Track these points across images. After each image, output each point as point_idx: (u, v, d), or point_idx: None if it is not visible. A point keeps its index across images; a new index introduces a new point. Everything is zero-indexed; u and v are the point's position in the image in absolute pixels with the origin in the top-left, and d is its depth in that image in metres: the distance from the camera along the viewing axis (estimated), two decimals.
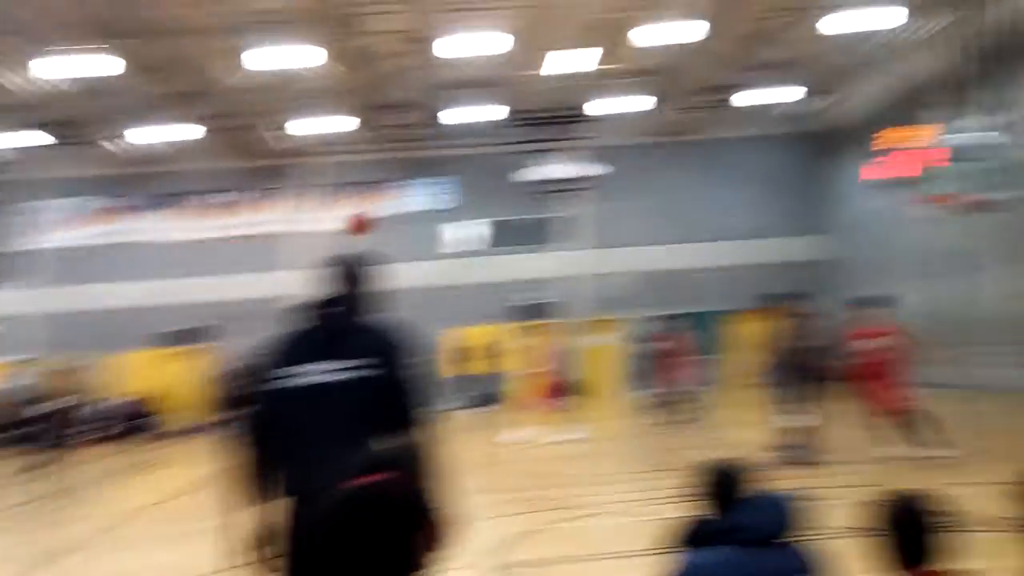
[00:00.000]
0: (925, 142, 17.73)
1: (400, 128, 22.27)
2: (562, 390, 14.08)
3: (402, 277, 20.88)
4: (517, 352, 23.47)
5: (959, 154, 13.99)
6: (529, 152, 22.54)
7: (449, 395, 22.86)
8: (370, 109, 21.01)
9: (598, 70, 19.30)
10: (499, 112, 21.49)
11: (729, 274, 24.37)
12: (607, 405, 20.60)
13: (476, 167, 23.95)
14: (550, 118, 21.90)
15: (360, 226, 9.69)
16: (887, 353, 9.84)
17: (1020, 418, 13.32)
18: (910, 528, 2.58)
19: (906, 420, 9.59)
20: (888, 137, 20.26)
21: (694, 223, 24.73)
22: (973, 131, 13.45)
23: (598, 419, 16.43)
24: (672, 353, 15.37)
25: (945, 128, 17.81)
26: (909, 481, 7.62)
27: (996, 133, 12.75)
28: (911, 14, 16.48)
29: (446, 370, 22.20)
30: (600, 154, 23.68)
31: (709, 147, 24.76)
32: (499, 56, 18.00)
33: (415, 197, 23.29)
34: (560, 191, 22.03)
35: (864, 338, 10.11)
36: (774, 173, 24.93)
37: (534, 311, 23.86)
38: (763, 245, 24.67)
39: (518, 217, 24.52)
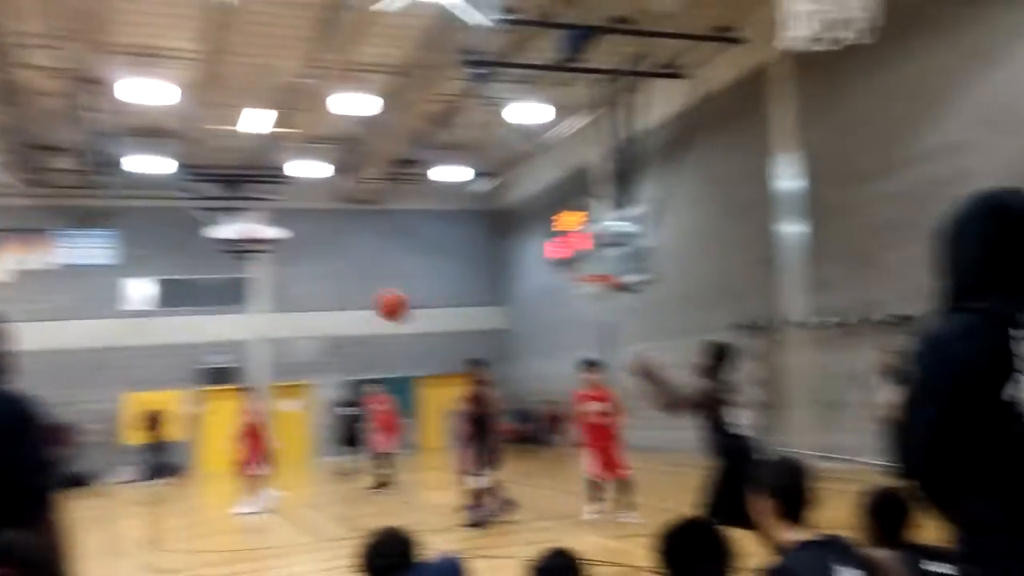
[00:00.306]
0: (580, 227, 19.74)
1: (63, 174, 20.47)
2: (261, 457, 13.40)
3: (77, 335, 18.90)
4: (202, 418, 22.24)
5: (604, 240, 15.61)
6: (211, 209, 21.70)
7: (126, 464, 21.12)
8: (26, 149, 19.11)
9: (279, 133, 19.23)
10: (174, 165, 20.46)
11: (418, 341, 24.94)
12: (299, 472, 19.99)
13: (157, 221, 22.65)
14: (232, 176, 21.30)
15: (392, 307, 8.13)
16: (607, 417, 10.35)
17: (671, 476, 14.37)
18: None
19: (622, 485, 10.16)
20: (558, 220, 22.29)
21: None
22: (614, 220, 15.11)
23: (291, 487, 15.85)
24: (380, 417, 15.62)
25: (595, 216, 20.01)
26: (578, 538, 8.17)
27: (629, 223, 14.44)
28: (558, 113, 18.40)
29: (124, 437, 20.88)
30: (287, 217, 23.41)
31: (400, 217, 25.44)
32: (176, 107, 17.29)
33: (78, 248, 21.46)
34: (242, 251, 21.32)
35: (590, 401, 10.54)
36: (460, 246, 26.14)
37: (220, 375, 22.75)
38: (450, 314, 25.56)
39: (201, 276, 23.37)
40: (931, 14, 12.01)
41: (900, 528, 3.03)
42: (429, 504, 12.81)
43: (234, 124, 18.20)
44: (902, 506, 3.10)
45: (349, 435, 17.91)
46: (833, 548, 2.73)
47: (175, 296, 23.18)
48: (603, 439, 10.32)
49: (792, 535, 2.79)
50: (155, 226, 22.68)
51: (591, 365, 10.93)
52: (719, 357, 6.61)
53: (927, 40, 12.15)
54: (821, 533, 2.81)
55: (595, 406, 10.47)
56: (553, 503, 11.51)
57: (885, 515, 3.07)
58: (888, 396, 10.21)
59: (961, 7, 11.57)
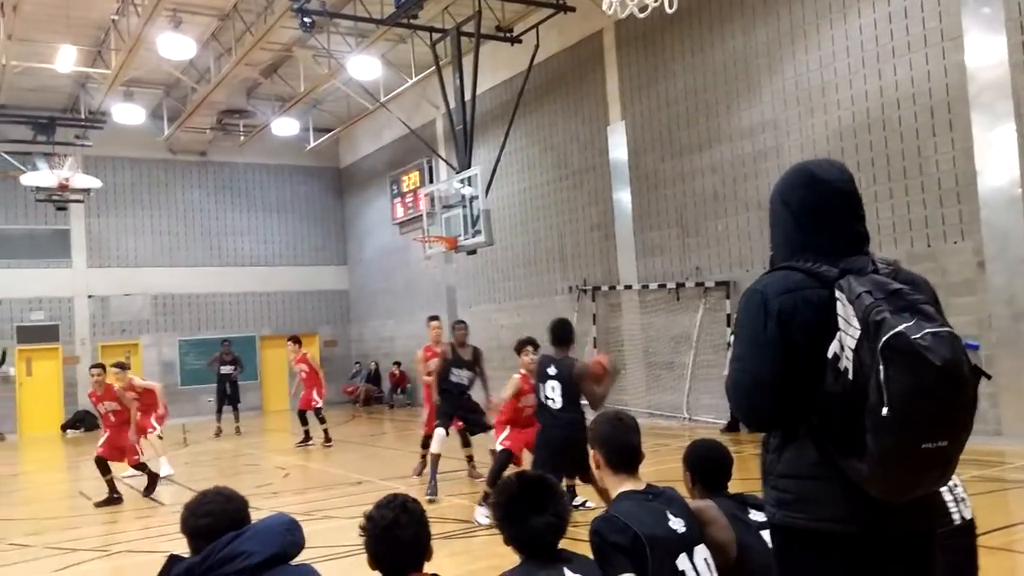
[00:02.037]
0: (420, 188, 19.59)
1: None
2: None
3: None
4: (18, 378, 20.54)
5: (442, 201, 15.54)
6: (20, 153, 19.88)
7: None
8: None
9: (94, 74, 17.84)
10: None
11: (256, 300, 24.07)
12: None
13: None
14: (44, 118, 19.55)
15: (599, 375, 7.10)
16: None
17: None
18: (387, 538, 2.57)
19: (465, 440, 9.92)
20: (398, 180, 22.00)
21: (218, 246, 23.94)
22: (452, 182, 15.04)
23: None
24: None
25: (434, 177, 19.93)
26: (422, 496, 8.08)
27: (467, 185, 14.41)
28: (394, 71, 18.15)
29: None
30: (107, 165, 21.84)
31: (233, 171, 24.22)
32: None
33: None
34: (54, 201, 19.65)
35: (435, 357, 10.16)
36: (299, 203, 25.19)
37: (38, 333, 21.06)
38: (289, 272, 24.72)
39: (12, 227, 21.36)
40: None
41: (722, 479, 3.20)
42: (272, 466, 12.52)
43: (45, 62, 16.65)
44: (723, 458, 3.28)
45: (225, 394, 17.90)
46: (663, 498, 2.85)
47: None
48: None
49: (625, 486, 2.89)
50: None
51: (434, 319, 10.94)
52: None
53: (746, 21, 12.79)
54: (652, 485, 2.92)
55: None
56: (401, 463, 11.44)
57: (707, 467, 3.24)
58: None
59: None
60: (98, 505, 9.69)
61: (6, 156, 20.00)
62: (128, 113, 19.46)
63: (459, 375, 9.35)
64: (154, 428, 11.80)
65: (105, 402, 10.33)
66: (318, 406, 14.46)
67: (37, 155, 19.34)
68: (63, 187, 18.74)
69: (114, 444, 10.18)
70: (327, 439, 14.29)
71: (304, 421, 14.63)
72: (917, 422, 1.93)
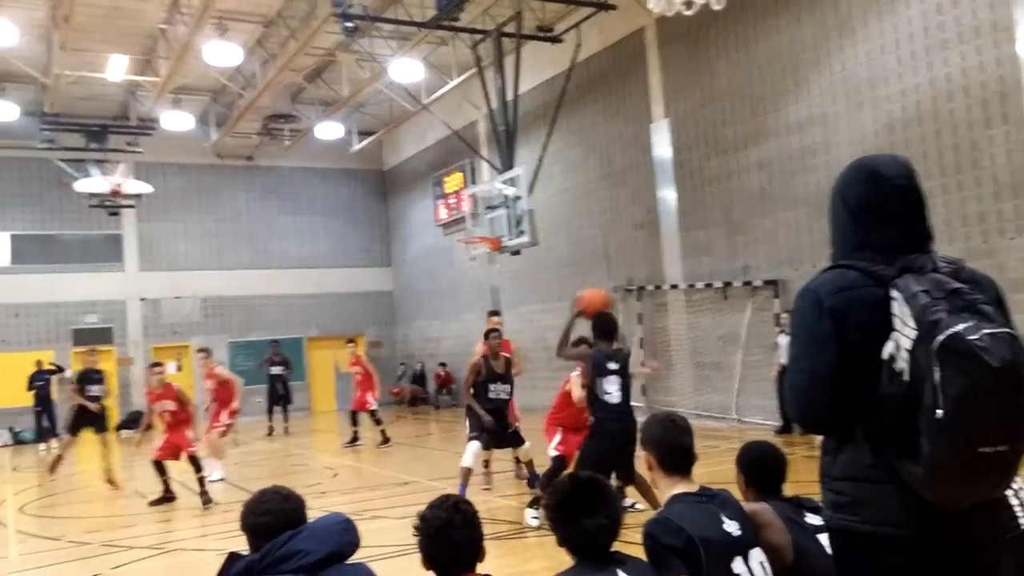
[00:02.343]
0: (463, 189, 19.65)
1: None
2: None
3: None
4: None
5: (486, 202, 15.56)
6: (74, 161, 20.39)
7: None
8: None
9: (144, 82, 18.23)
10: (16, 112, 19.00)
11: (302, 302, 24.39)
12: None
13: (11, 173, 21.18)
14: (96, 126, 20.01)
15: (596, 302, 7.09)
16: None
17: None
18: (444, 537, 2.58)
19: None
20: (443, 182, 22.10)
21: (264, 249, 24.31)
22: (496, 182, 15.05)
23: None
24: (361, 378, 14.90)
25: (477, 178, 19.98)
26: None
27: (510, 186, 14.39)
28: (435, 73, 18.29)
29: None
30: (156, 171, 22.27)
31: (278, 175, 24.57)
32: (24, 50, 16.07)
33: None
34: (106, 206, 20.13)
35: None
36: (343, 206, 25.44)
37: (92, 336, 21.58)
38: (334, 275, 24.96)
39: (68, 232, 21.95)
40: None
41: (776, 482, 3.16)
42: (321, 466, 12.68)
43: (96, 71, 17.07)
44: (778, 460, 3.23)
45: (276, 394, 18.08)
46: (717, 500, 2.82)
47: (42, 253, 21.62)
48: None
49: (678, 488, 2.87)
50: (11, 178, 21.21)
51: (494, 314, 10.60)
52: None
53: (792, 15, 12.60)
54: (706, 487, 2.89)
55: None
56: (448, 464, 11.49)
57: (761, 469, 3.19)
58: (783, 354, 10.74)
59: None
60: (152, 504, 9.80)
61: (60, 164, 20.52)
62: (177, 120, 19.87)
63: (497, 390, 8.91)
64: (220, 425, 11.59)
65: (163, 401, 10.16)
66: (372, 408, 14.53)
67: (90, 162, 19.83)
68: (115, 193, 19.22)
69: (170, 444, 10.01)
70: (384, 439, 14.31)
71: (355, 422, 14.76)
72: (973, 425, 1.87)
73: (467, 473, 8.49)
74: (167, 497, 9.83)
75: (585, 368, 7.05)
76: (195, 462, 9.87)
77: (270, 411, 18.00)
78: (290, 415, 18.33)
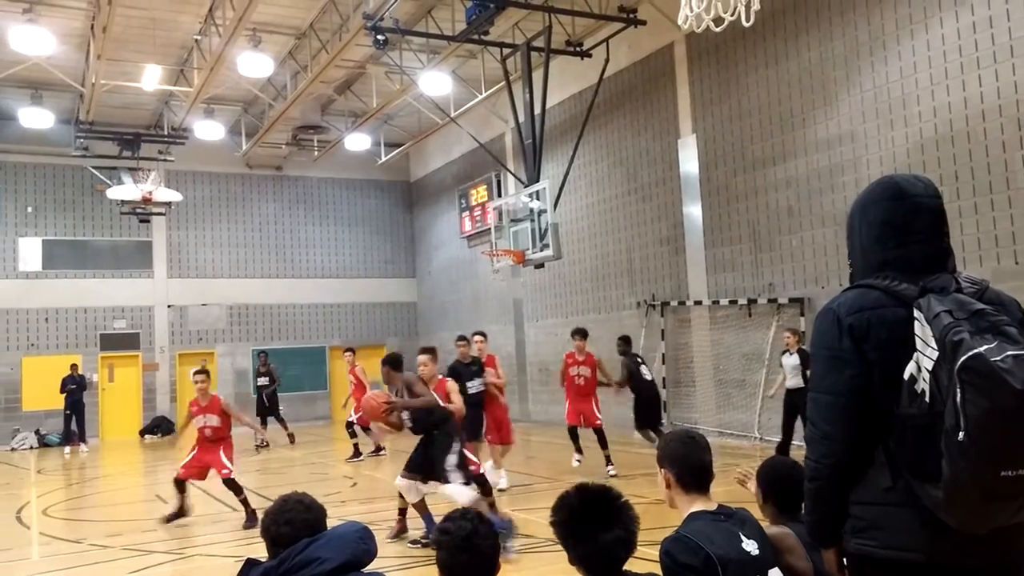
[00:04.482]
0: (488, 201, 19.69)
1: None
2: None
3: None
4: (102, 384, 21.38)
5: (511, 215, 15.58)
6: (107, 168, 20.72)
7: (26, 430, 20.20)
8: None
9: (176, 92, 18.49)
10: (51, 119, 19.33)
11: (327, 311, 24.55)
12: None
13: (48, 179, 21.55)
14: (129, 134, 20.31)
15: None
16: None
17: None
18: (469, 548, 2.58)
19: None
20: (467, 193, 22.17)
21: (291, 258, 24.51)
22: (521, 196, 15.06)
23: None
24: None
25: (503, 191, 20.01)
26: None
27: (535, 199, 14.39)
28: (464, 86, 18.34)
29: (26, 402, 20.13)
30: (188, 179, 22.58)
31: (306, 185, 24.81)
32: (61, 59, 16.38)
33: None
34: (137, 213, 20.43)
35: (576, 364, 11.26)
36: (369, 217, 25.64)
37: (120, 341, 21.85)
38: (359, 285, 25.14)
39: (102, 238, 22.27)
40: (825, 7, 12.37)
41: (797, 501, 3.10)
42: (340, 475, 12.71)
43: (131, 81, 17.34)
44: (800, 479, 3.17)
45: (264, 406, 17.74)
46: (736, 519, 2.77)
47: (73, 259, 21.91)
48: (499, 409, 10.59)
49: (696, 506, 2.83)
50: (45, 184, 21.56)
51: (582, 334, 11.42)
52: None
53: (823, 32, 12.52)
54: (724, 505, 2.85)
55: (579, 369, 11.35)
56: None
57: (782, 487, 3.13)
58: (787, 374, 10.66)
59: (855, 1, 11.94)
60: (165, 520, 9.01)
61: (94, 171, 20.86)
62: (208, 129, 20.14)
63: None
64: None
65: (207, 415, 9.09)
66: (350, 419, 14.55)
67: (122, 170, 20.11)
68: (146, 200, 19.47)
69: (199, 463, 9.07)
70: (371, 451, 14.57)
71: (352, 434, 14.68)
72: (995, 448, 1.83)
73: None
74: (178, 515, 9.04)
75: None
76: (232, 485, 8.95)
77: (263, 423, 17.01)
78: (307, 424, 18.27)
